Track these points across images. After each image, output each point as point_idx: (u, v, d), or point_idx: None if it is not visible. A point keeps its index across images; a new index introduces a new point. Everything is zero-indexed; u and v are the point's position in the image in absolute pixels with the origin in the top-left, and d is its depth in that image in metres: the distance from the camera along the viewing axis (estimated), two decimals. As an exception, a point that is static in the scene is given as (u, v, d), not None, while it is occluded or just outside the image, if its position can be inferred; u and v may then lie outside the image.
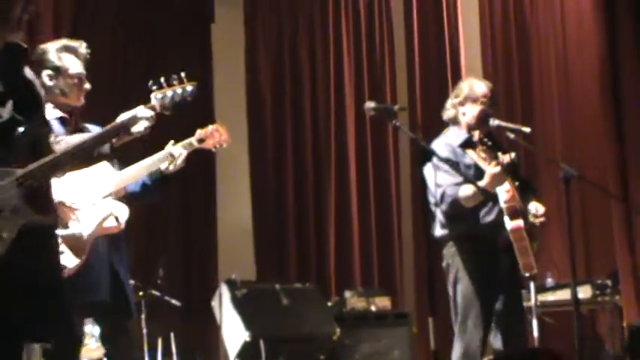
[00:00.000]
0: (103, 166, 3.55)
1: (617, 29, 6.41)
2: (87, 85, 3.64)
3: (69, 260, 3.32)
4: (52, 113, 3.52)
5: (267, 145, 8.33)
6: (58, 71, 3.56)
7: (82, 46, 3.64)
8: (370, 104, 3.79)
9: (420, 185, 6.98)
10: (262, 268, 8.11)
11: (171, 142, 3.70)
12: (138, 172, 3.62)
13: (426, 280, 6.95)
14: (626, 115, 6.35)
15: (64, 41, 3.66)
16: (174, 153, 3.65)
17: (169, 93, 3.27)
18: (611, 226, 6.32)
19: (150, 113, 3.35)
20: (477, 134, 4.21)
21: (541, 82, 6.96)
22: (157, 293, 6.07)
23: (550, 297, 5.90)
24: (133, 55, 8.17)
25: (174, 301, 6.22)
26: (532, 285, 4.86)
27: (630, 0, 6.35)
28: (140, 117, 3.33)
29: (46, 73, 3.53)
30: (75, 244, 3.34)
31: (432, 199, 4.26)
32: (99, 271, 3.44)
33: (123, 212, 3.52)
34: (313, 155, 8.20)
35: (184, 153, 3.69)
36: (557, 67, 6.86)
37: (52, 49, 3.57)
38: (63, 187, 3.37)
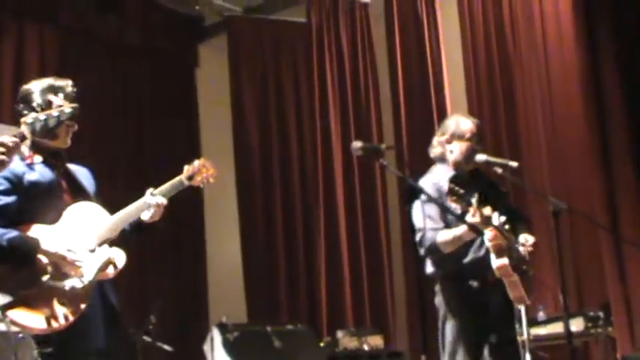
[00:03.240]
0: (97, 211, 3.52)
1: (600, 60, 6.48)
2: (74, 127, 3.51)
3: (74, 308, 3.28)
4: (38, 155, 3.47)
5: (255, 187, 8.35)
6: (44, 112, 3.26)
7: (68, 86, 3.50)
8: (357, 144, 3.81)
9: (408, 223, 7.01)
10: (253, 310, 8.08)
11: (150, 189, 3.63)
12: (129, 215, 3.56)
13: (418, 318, 6.94)
14: (612, 145, 6.38)
15: (50, 80, 3.51)
16: (151, 202, 3.59)
17: (42, 117, 3.04)
18: (602, 257, 6.32)
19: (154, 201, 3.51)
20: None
21: (526, 116, 7.01)
22: (148, 339, 6.02)
23: (542, 331, 5.88)
24: (119, 102, 8.20)
25: (166, 347, 6.17)
26: (524, 319, 4.85)
27: (611, 28, 6.42)
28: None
29: (31, 116, 3.19)
30: (75, 295, 3.30)
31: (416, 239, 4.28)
32: (94, 316, 3.39)
33: (120, 258, 3.48)
34: (302, 195, 8.22)
35: (162, 201, 3.61)
36: (542, 99, 6.91)
37: (36, 89, 3.44)
38: (62, 236, 3.35)
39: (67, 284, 3.29)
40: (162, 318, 6.51)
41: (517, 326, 4.93)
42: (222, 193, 8.43)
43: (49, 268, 3.27)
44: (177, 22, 9.01)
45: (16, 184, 3.36)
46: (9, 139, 2.99)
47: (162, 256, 7.98)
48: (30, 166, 3.43)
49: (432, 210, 4.11)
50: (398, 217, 7.62)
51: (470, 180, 4.18)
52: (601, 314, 5.87)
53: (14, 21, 7.63)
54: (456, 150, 4.28)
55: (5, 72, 7.50)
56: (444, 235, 4.05)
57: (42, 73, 7.52)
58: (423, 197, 4.07)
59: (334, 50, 8.22)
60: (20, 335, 4.83)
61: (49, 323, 3.21)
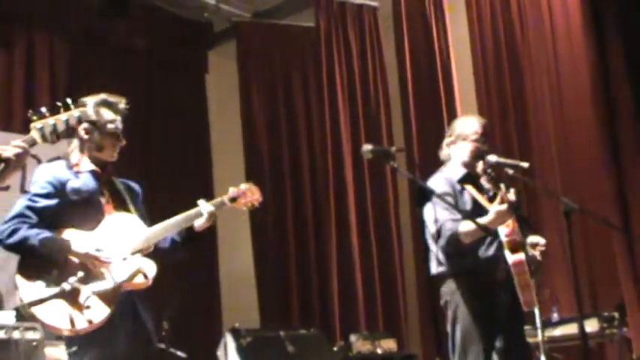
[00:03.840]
0: (134, 222, 3.58)
1: (608, 58, 6.45)
2: (122, 142, 3.65)
3: (99, 312, 3.33)
4: (85, 166, 3.59)
5: (266, 192, 8.29)
6: (95, 125, 3.57)
7: (121, 102, 3.68)
8: (367, 147, 3.80)
9: (419, 225, 6.99)
10: (266, 315, 8.07)
11: (202, 200, 3.70)
12: (166, 229, 3.61)
13: (431, 320, 6.92)
14: (623, 144, 6.35)
15: (104, 96, 3.67)
16: (205, 211, 3.65)
17: (51, 122, 3.08)
18: (614, 256, 6.29)
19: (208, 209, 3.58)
20: (480, 165, 4.18)
21: (536, 116, 6.98)
22: (162, 346, 6.02)
23: (557, 332, 5.85)
24: (129, 109, 8.21)
25: (179, 353, 6.17)
26: (538, 320, 4.83)
27: (621, 25, 6.39)
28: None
29: (82, 127, 3.54)
30: (102, 299, 3.36)
31: (429, 237, 4.24)
32: (119, 324, 3.42)
33: (151, 269, 3.53)
34: (313, 200, 8.22)
35: (214, 210, 3.68)
36: (552, 99, 6.89)
37: (90, 103, 3.56)
38: (95, 240, 3.43)
39: (95, 287, 3.35)
40: (175, 324, 6.51)
41: (529, 327, 4.93)
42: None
43: (79, 271, 3.34)
44: (186, 29, 9.05)
45: (59, 190, 3.49)
46: (18, 145, 3.02)
47: (175, 267, 7.98)
48: (76, 174, 3.56)
49: (447, 205, 4.09)
50: (409, 221, 7.61)
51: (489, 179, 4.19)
52: (616, 314, 5.83)
53: (24, 30, 7.68)
54: (462, 151, 4.29)
55: (16, 80, 7.54)
56: (466, 226, 3.99)
57: (52, 82, 7.67)
58: (437, 194, 4.04)
59: (343, 54, 8.22)
60: (34, 343, 4.87)
61: (72, 324, 3.27)
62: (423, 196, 4.09)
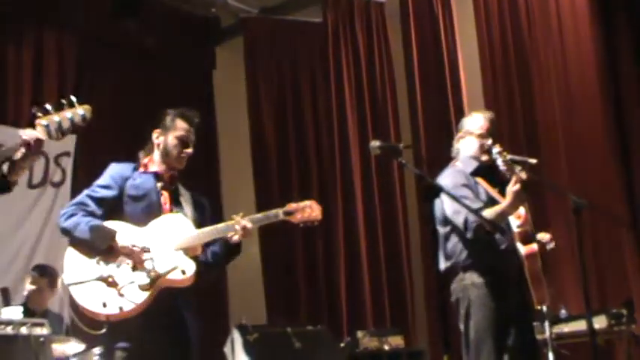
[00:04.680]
0: (184, 223, 3.69)
1: (617, 53, 6.43)
2: (189, 150, 3.80)
3: (132, 301, 3.45)
4: (151, 167, 3.79)
5: (273, 188, 8.34)
6: (166, 131, 3.80)
7: (196, 116, 3.89)
8: (375, 143, 3.80)
9: (428, 221, 6.97)
10: (273, 311, 8.07)
11: (240, 213, 3.76)
12: (212, 233, 3.69)
13: (438, 317, 6.91)
14: (630, 139, 6.34)
15: (183, 109, 3.91)
16: (238, 226, 3.69)
17: (56, 119, 3.19)
18: (623, 253, 6.27)
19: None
20: (474, 165, 4.20)
21: (544, 112, 6.96)
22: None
23: (565, 328, 5.83)
24: (136, 105, 8.22)
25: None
26: (546, 317, 4.80)
27: (629, 21, 6.36)
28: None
29: (156, 131, 3.81)
30: (137, 289, 3.48)
31: (441, 230, 4.24)
32: (153, 321, 3.49)
33: (190, 267, 3.60)
34: (320, 197, 8.19)
35: (248, 225, 3.71)
36: (559, 95, 6.86)
37: (170, 112, 3.87)
38: (140, 235, 3.58)
39: (132, 277, 3.49)
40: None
41: (537, 324, 4.91)
42: (241, 195, 8.43)
43: (119, 259, 3.52)
44: (193, 24, 9.03)
45: (119, 184, 3.71)
46: (32, 135, 3.12)
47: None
48: (140, 173, 3.77)
49: (467, 192, 4.09)
50: (416, 216, 7.59)
51: (491, 174, 4.17)
52: (624, 311, 5.80)
53: (34, 29, 7.69)
54: (470, 146, 4.31)
55: (25, 79, 7.55)
56: (489, 213, 3.99)
57: (61, 81, 7.67)
58: (447, 187, 4.02)
59: (350, 49, 8.21)
60: (42, 339, 4.88)
61: (104, 308, 3.42)
62: (433, 192, 4.08)
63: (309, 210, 3.87)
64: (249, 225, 3.71)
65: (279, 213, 3.84)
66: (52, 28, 7.83)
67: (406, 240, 7.68)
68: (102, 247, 3.51)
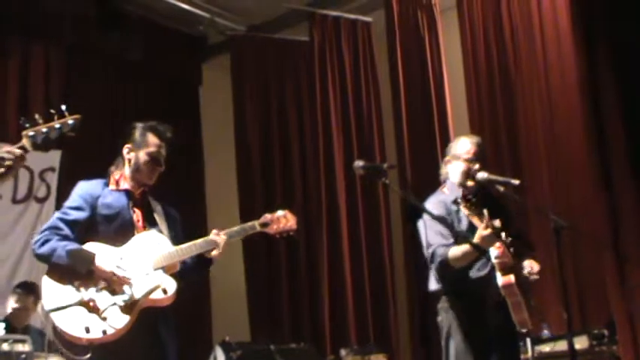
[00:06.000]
0: (161, 240, 3.65)
1: (599, 81, 6.49)
2: (161, 168, 3.78)
3: (115, 324, 3.41)
4: (122, 185, 3.74)
5: (257, 205, 8.35)
6: (138, 147, 3.73)
7: (167, 131, 3.82)
8: (359, 163, 3.84)
9: (411, 241, 7.01)
10: (256, 328, 8.06)
11: (214, 230, 3.75)
12: (191, 250, 3.66)
13: (421, 336, 6.91)
14: (613, 162, 6.38)
15: (154, 123, 3.84)
16: (217, 241, 3.70)
17: (44, 130, 3.16)
18: (604, 274, 6.31)
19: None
20: (460, 192, 4.23)
21: (527, 134, 7.01)
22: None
23: (546, 348, 5.86)
24: (123, 120, 8.22)
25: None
26: (528, 338, 4.83)
27: (609, 46, 6.44)
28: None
29: (126, 146, 3.74)
30: (119, 312, 3.44)
31: (426, 253, 4.27)
32: (134, 340, 3.46)
33: (171, 286, 3.58)
34: (304, 215, 8.20)
35: (225, 240, 3.73)
36: (543, 118, 6.92)
37: (139, 126, 3.80)
38: (119, 256, 3.53)
39: (113, 300, 3.44)
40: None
41: (521, 344, 4.93)
42: (225, 212, 8.43)
43: (100, 283, 3.47)
44: (180, 41, 9.06)
45: (90, 204, 3.65)
46: (11, 150, 3.09)
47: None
48: (111, 191, 3.71)
49: (442, 227, 4.13)
50: (401, 235, 7.62)
51: (479, 199, 4.21)
52: (605, 332, 5.84)
53: (19, 40, 7.69)
54: (456, 170, 4.35)
55: (10, 90, 7.55)
56: (455, 251, 4.07)
57: (47, 93, 7.67)
58: (427, 216, 4.08)
59: (336, 68, 8.25)
60: (23, 356, 4.86)
61: (87, 333, 3.38)
62: (415, 212, 4.11)
63: (284, 220, 3.89)
64: (225, 239, 3.72)
65: (255, 225, 3.84)
66: (38, 39, 7.83)
67: (390, 259, 7.70)
68: (82, 272, 3.45)
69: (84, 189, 3.70)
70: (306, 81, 8.49)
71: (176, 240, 3.72)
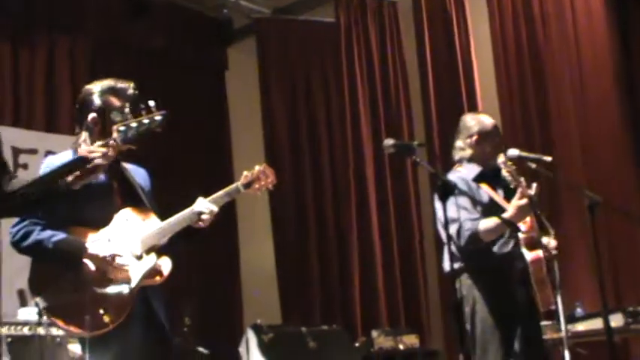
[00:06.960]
0: (147, 216, 3.43)
1: (632, 51, 6.39)
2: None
3: (116, 313, 3.23)
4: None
5: (287, 188, 8.34)
6: (103, 113, 3.34)
7: (130, 87, 3.48)
8: (389, 142, 3.79)
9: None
10: (287, 312, 8.07)
11: (200, 198, 3.51)
12: (179, 223, 3.43)
13: (453, 316, 6.88)
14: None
15: (110, 82, 3.49)
16: (203, 210, 3.45)
17: (133, 125, 3.06)
18: (638, 251, 6.23)
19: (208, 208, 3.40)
20: (500, 159, 4.12)
21: (558, 110, 6.93)
22: (184, 342, 6.04)
23: (580, 327, 5.81)
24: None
25: (201, 349, 6.19)
26: (562, 315, 4.78)
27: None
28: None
29: (90, 116, 3.34)
30: (119, 302, 3.25)
31: (444, 233, 4.22)
32: (132, 320, 3.30)
33: (166, 265, 3.39)
34: (333, 196, 8.20)
35: (213, 208, 3.49)
36: (574, 92, 6.83)
37: (96, 90, 3.43)
38: (107, 240, 3.29)
39: (112, 290, 3.24)
40: (197, 320, 6.54)
41: (553, 323, 4.88)
42: (255, 200, 8.41)
43: (95, 273, 3.23)
44: (205, 26, 9.06)
45: None
46: (102, 147, 3.06)
47: (197, 258, 8.00)
48: None
49: (466, 202, 4.07)
50: (430, 215, 7.56)
51: (496, 178, 4.15)
52: (640, 309, 5.78)
53: (46, 32, 7.73)
54: (487, 147, 4.26)
55: (37, 82, 7.59)
56: (486, 223, 3.99)
57: (73, 84, 7.70)
58: (460, 189, 4.00)
59: (363, 49, 8.20)
60: (58, 339, 4.89)
61: (89, 326, 3.18)
62: (445, 190, 4.06)
63: (263, 177, 3.77)
64: (215, 209, 3.48)
65: (238, 187, 3.67)
66: (64, 30, 7.86)
67: (420, 239, 7.67)
68: (74, 263, 3.21)
69: (53, 165, 3.25)
70: (333, 62, 8.45)
71: (153, 206, 3.47)
